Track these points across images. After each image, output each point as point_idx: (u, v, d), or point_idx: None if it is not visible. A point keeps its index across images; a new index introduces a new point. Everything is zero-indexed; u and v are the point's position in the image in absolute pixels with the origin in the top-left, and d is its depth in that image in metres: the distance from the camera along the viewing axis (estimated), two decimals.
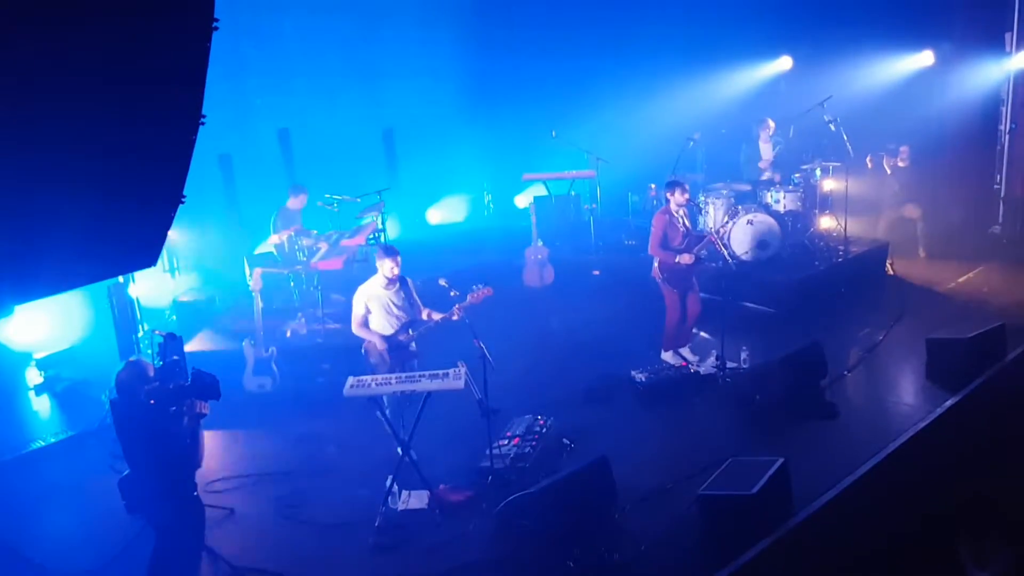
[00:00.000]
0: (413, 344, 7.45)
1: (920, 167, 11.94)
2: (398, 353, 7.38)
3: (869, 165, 11.77)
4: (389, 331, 7.38)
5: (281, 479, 7.18)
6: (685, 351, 9.06)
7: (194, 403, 5.29)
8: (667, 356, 9.02)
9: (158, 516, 5.33)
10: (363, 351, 7.44)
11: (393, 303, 7.37)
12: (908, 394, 8.00)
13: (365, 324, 7.36)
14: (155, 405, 5.12)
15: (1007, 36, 12.08)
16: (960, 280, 10.87)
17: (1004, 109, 12.40)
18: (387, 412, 7.03)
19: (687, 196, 8.62)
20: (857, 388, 8.12)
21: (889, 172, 11.89)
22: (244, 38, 10.89)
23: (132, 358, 5.59)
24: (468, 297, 7.27)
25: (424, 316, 7.44)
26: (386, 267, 7.28)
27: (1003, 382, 7.85)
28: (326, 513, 6.59)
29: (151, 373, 5.30)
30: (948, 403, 7.46)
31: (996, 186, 12.64)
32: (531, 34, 13.65)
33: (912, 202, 11.85)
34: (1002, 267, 11.21)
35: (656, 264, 8.73)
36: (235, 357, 8.61)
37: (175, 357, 5.42)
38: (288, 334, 9.27)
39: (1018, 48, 11.89)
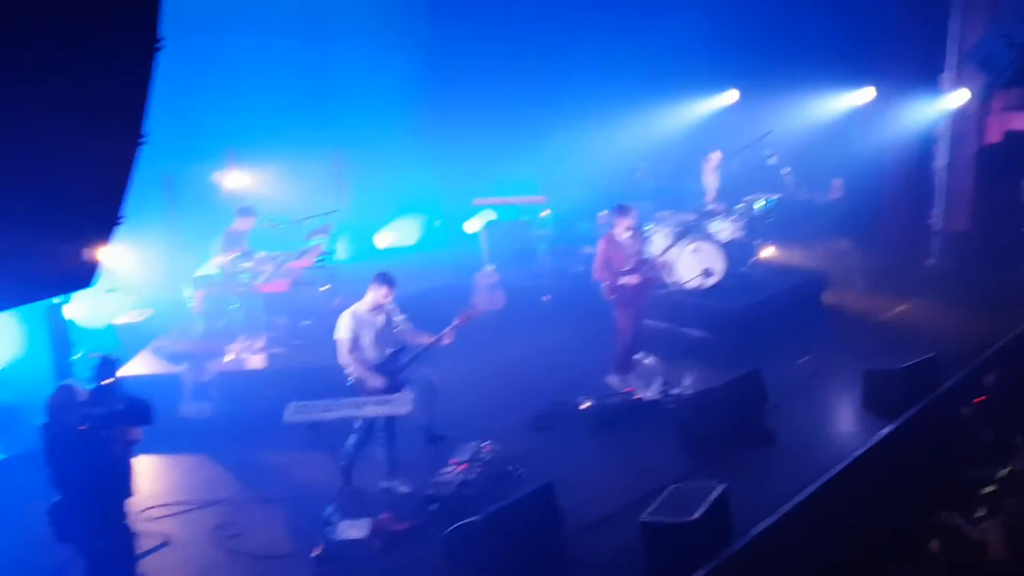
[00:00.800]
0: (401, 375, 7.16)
1: (854, 199, 12.30)
2: (387, 380, 6.99)
3: (805, 197, 12.04)
4: (379, 358, 7.04)
5: (218, 508, 7.01)
6: (631, 375, 9.16)
7: (126, 429, 5.15)
8: (613, 380, 9.10)
9: (88, 545, 5.16)
10: (350, 383, 7.04)
11: (380, 330, 7.07)
12: (845, 422, 8.17)
13: (355, 351, 6.94)
14: (86, 431, 4.97)
15: (943, 75, 12.57)
16: (895, 311, 11.17)
17: (940, 146, 12.86)
18: (353, 440, 6.90)
19: (633, 220, 8.77)
20: (796, 415, 8.24)
21: (823, 203, 12.25)
22: (191, 57, 10.73)
23: (63, 382, 5.44)
24: (456, 319, 7.18)
25: (422, 339, 7.13)
26: (380, 294, 6.97)
27: (937, 411, 8.06)
28: (264, 543, 6.46)
29: (82, 398, 5.16)
30: (884, 431, 7.62)
31: (931, 221, 13.06)
32: (484, 61, 13.74)
33: (845, 234, 12.17)
34: (936, 299, 11.56)
35: (603, 287, 8.84)
36: (174, 381, 8.43)
37: (107, 381, 5.27)
38: (227, 359, 9.09)
39: (953, 87, 12.37)
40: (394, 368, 7.04)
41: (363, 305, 7.04)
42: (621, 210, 8.74)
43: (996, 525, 6.34)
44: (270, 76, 12.25)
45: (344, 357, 6.95)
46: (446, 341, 7.03)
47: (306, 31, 12.81)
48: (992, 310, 10.58)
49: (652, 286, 9.01)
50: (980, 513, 6.56)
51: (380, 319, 7.07)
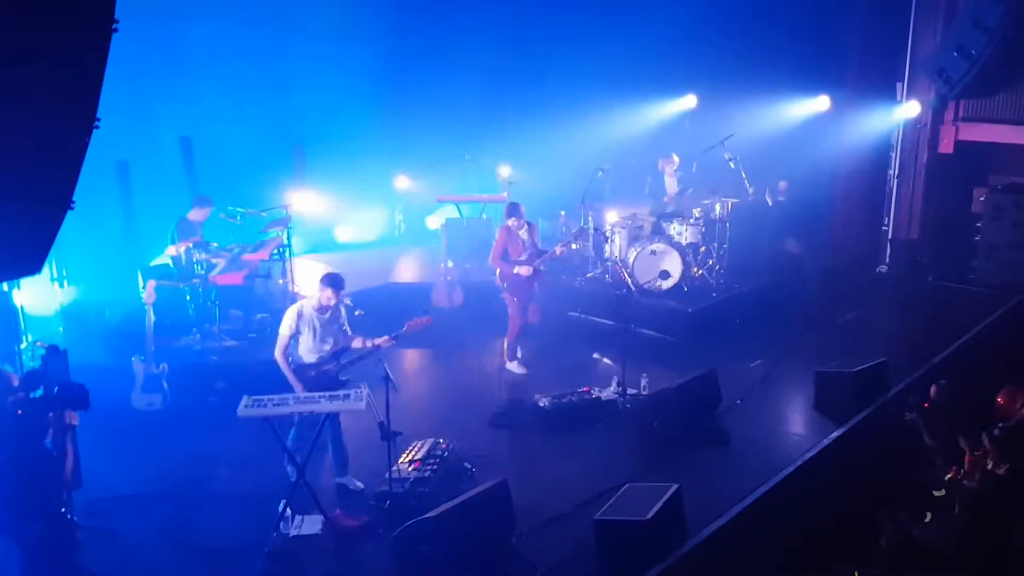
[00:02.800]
0: (341, 374, 7.15)
1: (802, 202, 12.50)
2: (324, 381, 6.97)
3: (750, 196, 12.16)
4: (315, 357, 7.02)
5: (167, 501, 6.86)
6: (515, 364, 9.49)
7: (62, 414, 5.02)
8: (512, 366, 9.42)
9: (22, 534, 5.02)
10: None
11: (324, 327, 7.05)
12: (796, 424, 8.30)
13: (288, 351, 6.98)
14: (19, 416, 4.86)
15: (898, 85, 12.83)
16: (848, 316, 11.37)
17: (893, 155, 13.13)
18: (292, 434, 6.84)
19: (522, 220, 9.36)
20: (749, 417, 8.36)
21: (770, 203, 12.44)
22: (148, 43, 10.50)
23: None
24: (405, 325, 7.14)
25: (357, 344, 7.13)
26: (326, 296, 6.96)
27: (885, 415, 8.22)
28: (214, 538, 6.33)
29: (15, 383, 5.03)
30: (834, 434, 7.76)
31: (884, 228, 13.33)
32: (446, 55, 13.69)
33: (792, 236, 12.36)
34: (888, 305, 11.80)
35: (497, 273, 9.36)
36: (124, 373, 8.24)
37: (37, 368, 5.19)
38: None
39: (908, 97, 12.63)
40: (331, 367, 7.06)
41: (309, 303, 7.06)
42: (514, 208, 9.37)
43: (940, 528, 6.49)
44: (230, 65, 12.05)
45: (278, 354, 6.98)
46: (384, 347, 7.05)
47: (268, 21, 12.61)
48: (941, 317, 10.83)
49: (542, 277, 9.55)
50: (926, 517, 6.71)
51: (324, 317, 7.07)
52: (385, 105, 13.93)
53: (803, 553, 6.55)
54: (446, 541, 5.72)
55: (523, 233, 9.33)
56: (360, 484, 7.06)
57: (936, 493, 6.66)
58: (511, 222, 9.32)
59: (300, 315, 6.98)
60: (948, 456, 7.04)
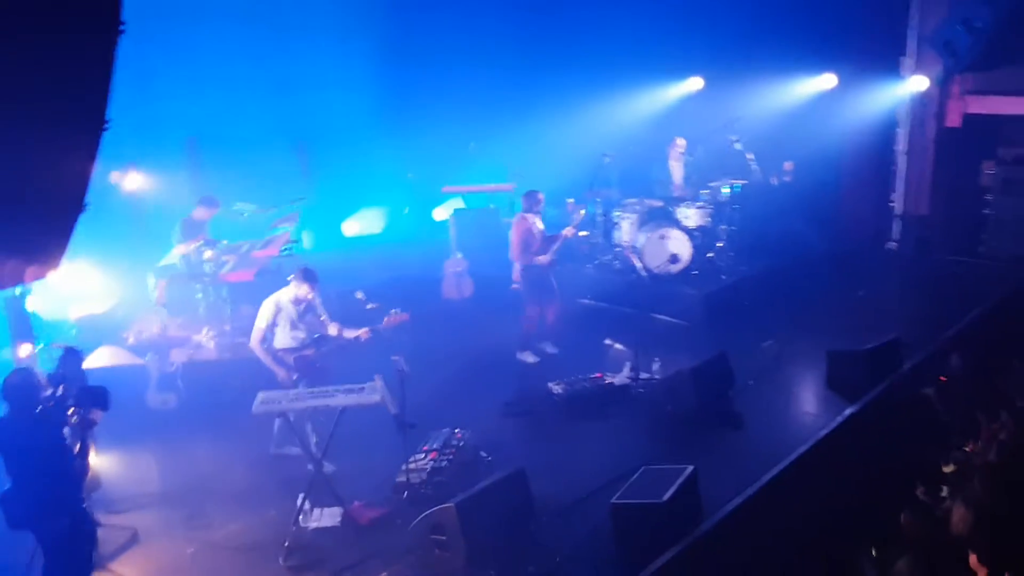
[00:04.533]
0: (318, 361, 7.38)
1: (809, 181, 12.44)
2: (302, 366, 7.29)
3: (757, 177, 12.09)
4: (291, 344, 7.30)
5: (186, 499, 6.93)
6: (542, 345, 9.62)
7: (88, 411, 5.08)
8: (524, 355, 9.53)
9: (46, 530, 5.08)
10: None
11: (300, 317, 7.31)
12: (810, 403, 8.30)
13: (265, 341, 7.23)
14: (43, 414, 4.94)
15: (903, 60, 12.73)
16: (859, 293, 11.33)
17: (900, 130, 13.04)
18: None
19: (541, 207, 9.38)
20: (762, 398, 8.36)
21: (775, 184, 12.37)
22: (152, 43, 10.51)
23: (20, 366, 5.38)
24: (383, 320, 7.25)
25: (333, 331, 7.36)
26: (303, 290, 7.20)
27: (899, 392, 8.21)
28: (233, 534, 6.42)
29: (40, 381, 5.11)
30: (847, 412, 7.75)
31: (892, 204, 13.26)
32: (448, 46, 13.66)
33: (800, 216, 12.29)
34: (897, 282, 11.75)
35: (517, 269, 9.35)
36: (138, 372, 8.30)
37: (59, 370, 5.27)
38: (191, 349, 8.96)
39: (914, 72, 12.53)
40: (309, 353, 7.32)
41: (286, 295, 7.28)
42: (533, 195, 9.32)
43: (959, 503, 6.47)
44: (234, 64, 12.05)
45: (254, 344, 7.25)
46: (363, 338, 7.26)
47: (270, 19, 12.61)
48: (953, 292, 10.78)
49: (556, 268, 9.55)
50: (944, 492, 6.70)
51: (300, 308, 7.32)
52: (388, 98, 13.92)
53: (819, 532, 6.55)
54: (466, 530, 5.75)
55: (539, 223, 9.30)
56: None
57: (946, 469, 6.64)
58: (535, 208, 9.27)
59: (278, 307, 7.25)
60: (965, 431, 7.03)
